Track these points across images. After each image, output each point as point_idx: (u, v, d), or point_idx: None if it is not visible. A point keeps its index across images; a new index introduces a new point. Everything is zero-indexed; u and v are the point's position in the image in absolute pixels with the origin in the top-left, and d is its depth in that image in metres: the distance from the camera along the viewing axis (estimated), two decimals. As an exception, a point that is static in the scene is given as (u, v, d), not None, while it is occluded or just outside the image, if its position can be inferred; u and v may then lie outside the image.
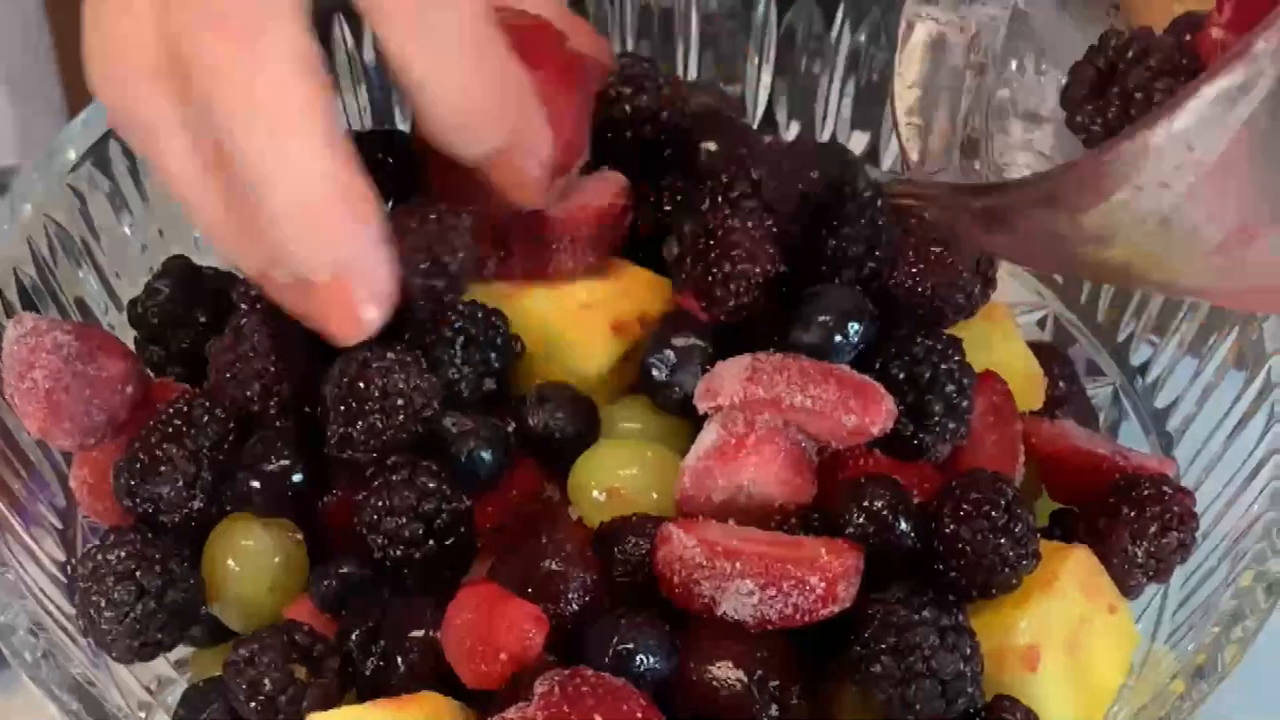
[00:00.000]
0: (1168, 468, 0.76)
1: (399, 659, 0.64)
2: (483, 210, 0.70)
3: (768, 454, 0.66)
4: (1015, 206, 0.56)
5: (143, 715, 0.74)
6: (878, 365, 0.70)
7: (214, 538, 0.70)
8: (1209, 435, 0.79)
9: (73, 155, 0.79)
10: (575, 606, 0.64)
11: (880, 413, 0.67)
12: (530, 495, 0.71)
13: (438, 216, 0.67)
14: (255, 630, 0.66)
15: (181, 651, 0.74)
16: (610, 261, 0.77)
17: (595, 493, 0.70)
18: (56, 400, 0.69)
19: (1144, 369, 0.85)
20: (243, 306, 0.71)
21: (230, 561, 0.70)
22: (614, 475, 0.70)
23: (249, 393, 0.70)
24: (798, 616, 0.63)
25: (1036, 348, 0.80)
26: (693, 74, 0.96)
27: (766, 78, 0.95)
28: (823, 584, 0.62)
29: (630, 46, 0.94)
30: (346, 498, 0.69)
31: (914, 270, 0.72)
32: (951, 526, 0.65)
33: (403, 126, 0.88)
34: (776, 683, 0.63)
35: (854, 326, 0.70)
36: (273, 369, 0.70)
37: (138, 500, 0.69)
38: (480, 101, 0.63)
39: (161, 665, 0.75)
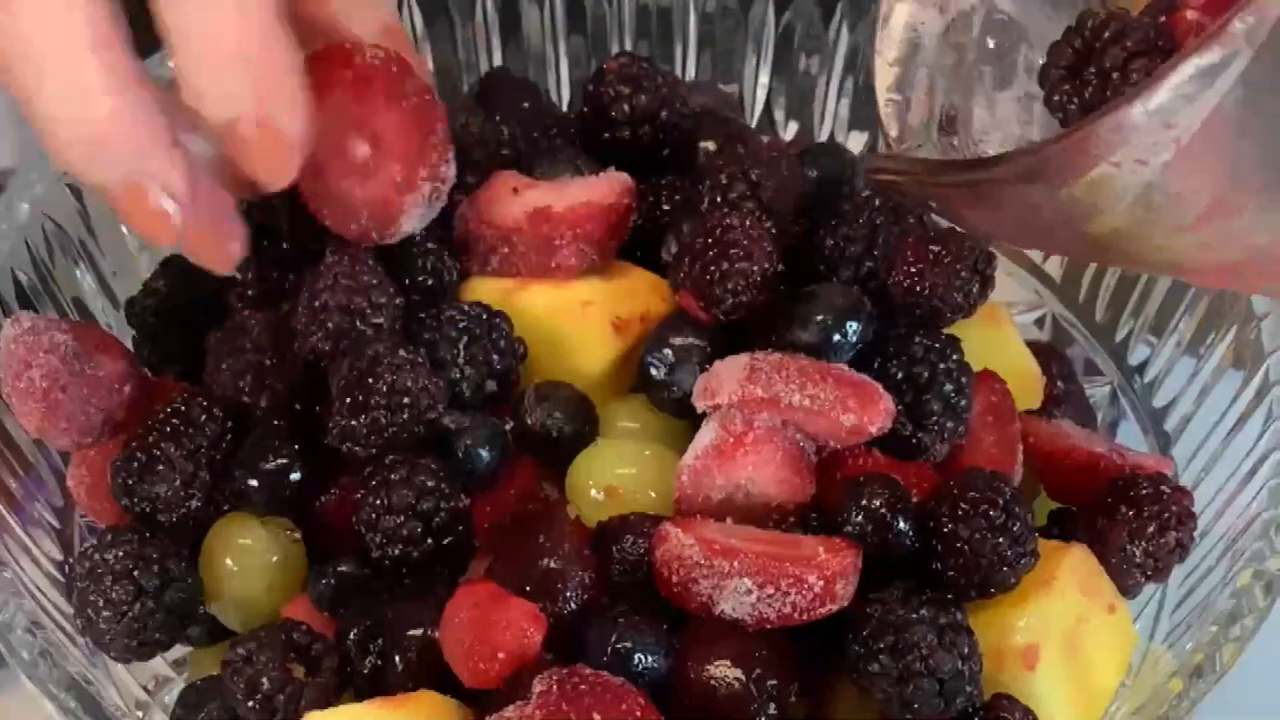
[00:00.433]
0: (1166, 467, 0.76)
1: (397, 658, 0.64)
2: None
3: (766, 453, 0.66)
4: (995, 181, 0.57)
5: (140, 714, 0.74)
6: (876, 364, 0.70)
7: (212, 537, 0.70)
8: (1207, 434, 0.79)
9: (70, 155, 0.79)
10: (573, 605, 0.64)
11: (879, 412, 0.67)
12: (529, 494, 0.71)
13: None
14: (253, 629, 0.66)
15: (179, 651, 0.74)
16: (613, 261, 0.77)
17: (593, 492, 0.70)
18: (54, 399, 0.69)
19: (1142, 368, 0.85)
20: (240, 304, 0.71)
21: (228, 561, 0.70)
22: (612, 474, 0.70)
23: (242, 384, 0.70)
24: (796, 615, 0.63)
25: (1035, 347, 0.80)
26: (691, 74, 0.96)
27: (764, 77, 0.95)
28: (821, 583, 0.62)
29: (629, 46, 0.94)
30: (345, 496, 0.69)
31: (912, 269, 0.72)
32: (950, 526, 0.65)
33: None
34: (774, 681, 0.63)
35: (852, 326, 0.70)
36: (268, 363, 0.70)
37: (135, 499, 0.69)
38: (231, 53, 0.61)
39: (159, 664, 0.75)
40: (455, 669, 0.63)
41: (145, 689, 0.75)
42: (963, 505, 0.65)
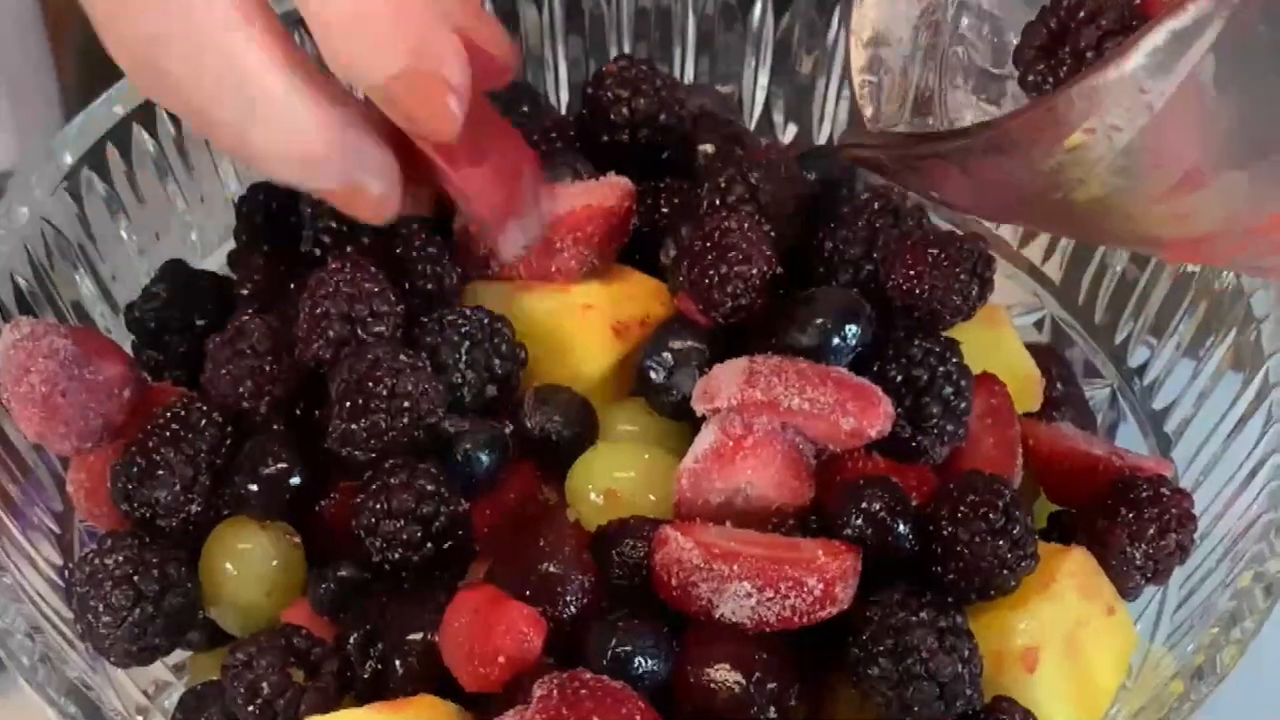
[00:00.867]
0: (1166, 469, 0.76)
1: (397, 662, 0.64)
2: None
3: (765, 456, 0.66)
4: (970, 152, 0.57)
5: (140, 719, 0.74)
6: (875, 367, 0.70)
7: (211, 541, 0.70)
8: (1207, 436, 0.79)
9: (69, 159, 0.79)
10: (573, 609, 0.64)
11: (878, 415, 0.67)
12: (528, 498, 0.71)
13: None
14: (253, 634, 0.66)
15: (179, 655, 0.74)
16: (613, 265, 0.77)
17: (593, 495, 0.69)
18: (53, 404, 0.69)
19: (1142, 370, 0.85)
20: (241, 306, 0.71)
21: (228, 565, 0.69)
22: (612, 478, 0.70)
23: (241, 389, 0.70)
24: (796, 618, 0.63)
25: (1034, 349, 0.80)
26: (689, 76, 0.96)
27: (763, 80, 0.95)
28: (820, 586, 0.62)
29: (627, 48, 0.94)
30: (344, 500, 0.69)
31: (911, 272, 0.72)
32: (949, 529, 0.65)
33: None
34: (774, 685, 0.63)
35: (851, 329, 0.70)
36: (267, 368, 0.70)
37: (135, 504, 0.69)
38: (375, 6, 0.60)
39: (159, 669, 0.75)
40: (455, 673, 0.63)
41: (145, 694, 0.75)
42: (962, 508, 0.65)
